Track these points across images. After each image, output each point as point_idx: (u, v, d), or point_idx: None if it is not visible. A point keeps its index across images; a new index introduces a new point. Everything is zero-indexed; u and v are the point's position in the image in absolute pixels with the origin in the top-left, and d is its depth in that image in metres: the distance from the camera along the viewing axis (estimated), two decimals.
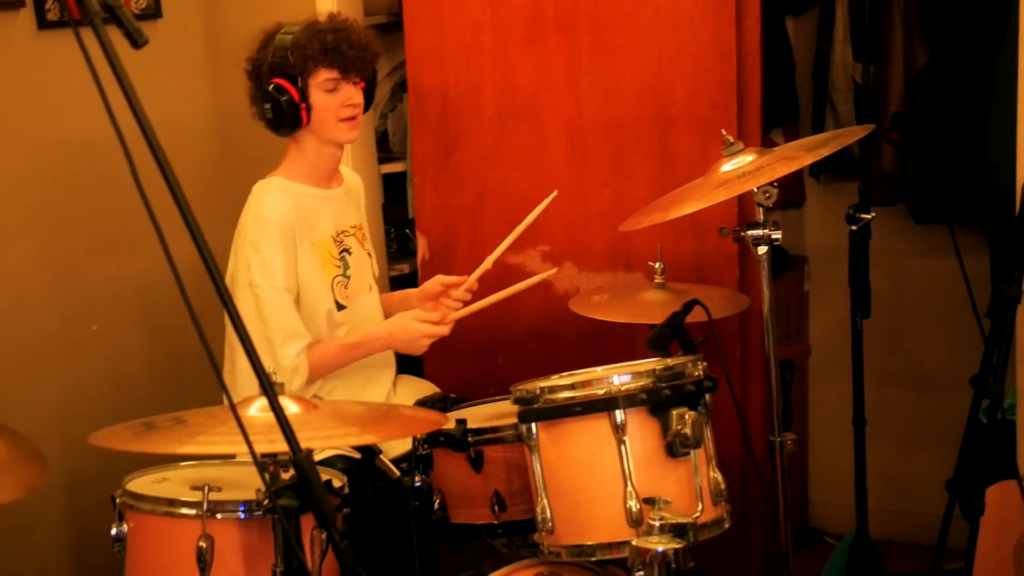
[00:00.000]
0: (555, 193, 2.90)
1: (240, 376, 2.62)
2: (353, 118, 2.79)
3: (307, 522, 1.96)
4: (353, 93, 2.78)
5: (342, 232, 2.89)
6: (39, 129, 3.16)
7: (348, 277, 2.88)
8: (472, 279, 2.91)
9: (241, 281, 2.70)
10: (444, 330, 2.80)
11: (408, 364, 3.29)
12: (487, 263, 2.89)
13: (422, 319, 2.80)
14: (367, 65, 2.81)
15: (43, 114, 3.16)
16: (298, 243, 2.75)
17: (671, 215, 2.57)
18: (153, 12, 3.43)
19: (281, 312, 2.70)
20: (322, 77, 2.73)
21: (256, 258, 2.70)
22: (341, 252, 2.87)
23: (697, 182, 2.72)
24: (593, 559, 2.29)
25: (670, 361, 2.32)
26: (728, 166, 2.64)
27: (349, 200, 2.95)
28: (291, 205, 2.76)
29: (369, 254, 2.97)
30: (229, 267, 2.76)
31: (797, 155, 2.60)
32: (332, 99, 2.75)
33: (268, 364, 2.57)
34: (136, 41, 1.50)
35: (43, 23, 3.12)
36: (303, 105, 2.73)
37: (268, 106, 2.73)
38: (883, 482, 3.63)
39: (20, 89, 3.10)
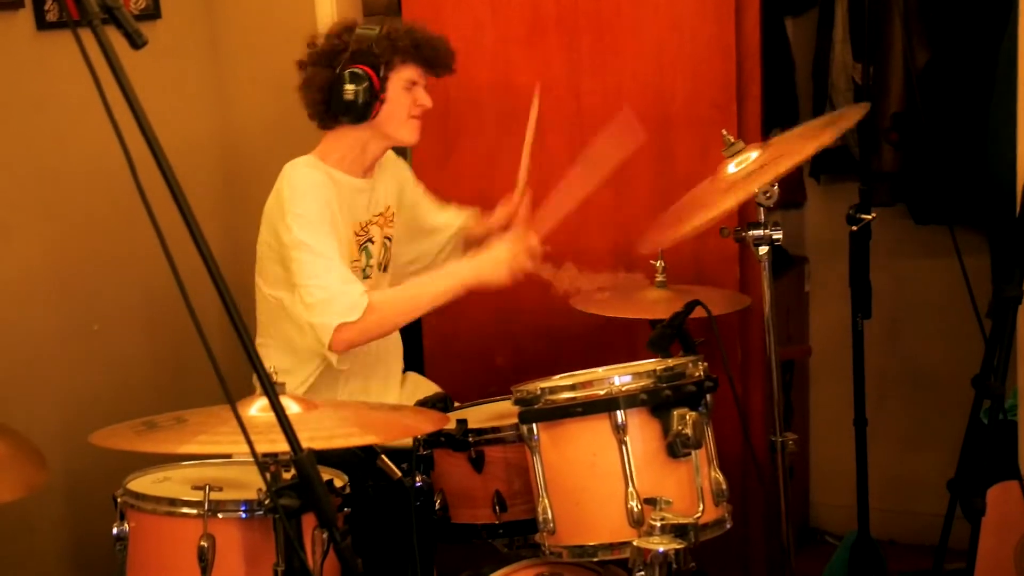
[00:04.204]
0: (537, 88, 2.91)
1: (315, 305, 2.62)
2: (419, 118, 2.81)
3: (308, 522, 1.96)
4: (425, 95, 2.80)
5: (366, 223, 2.88)
6: (39, 130, 3.16)
7: (371, 267, 2.88)
8: (520, 192, 2.93)
9: (291, 244, 2.66)
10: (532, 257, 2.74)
11: (409, 364, 3.29)
12: (522, 176, 2.92)
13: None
14: (447, 69, 2.84)
15: (42, 115, 3.16)
16: (338, 214, 2.74)
17: (686, 229, 2.55)
18: (152, 13, 3.43)
19: (336, 262, 2.66)
20: (405, 73, 2.76)
21: (298, 220, 2.67)
22: (364, 243, 2.87)
23: (703, 186, 2.72)
24: (594, 559, 2.28)
25: (671, 362, 2.31)
26: (733, 167, 2.63)
27: (376, 189, 2.93)
28: (326, 177, 2.75)
29: (387, 239, 2.96)
30: (269, 238, 2.76)
31: (801, 143, 2.58)
32: (407, 96, 2.77)
33: (335, 310, 2.58)
34: (135, 42, 1.50)
35: (42, 24, 3.11)
36: (382, 96, 2.73)
37: (351, 87, 2.69)
38: (884, 482, 3.63)
39: (19, 90, 3.10)
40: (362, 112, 2.73)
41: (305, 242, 2.65)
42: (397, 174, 3.03)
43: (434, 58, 2.80)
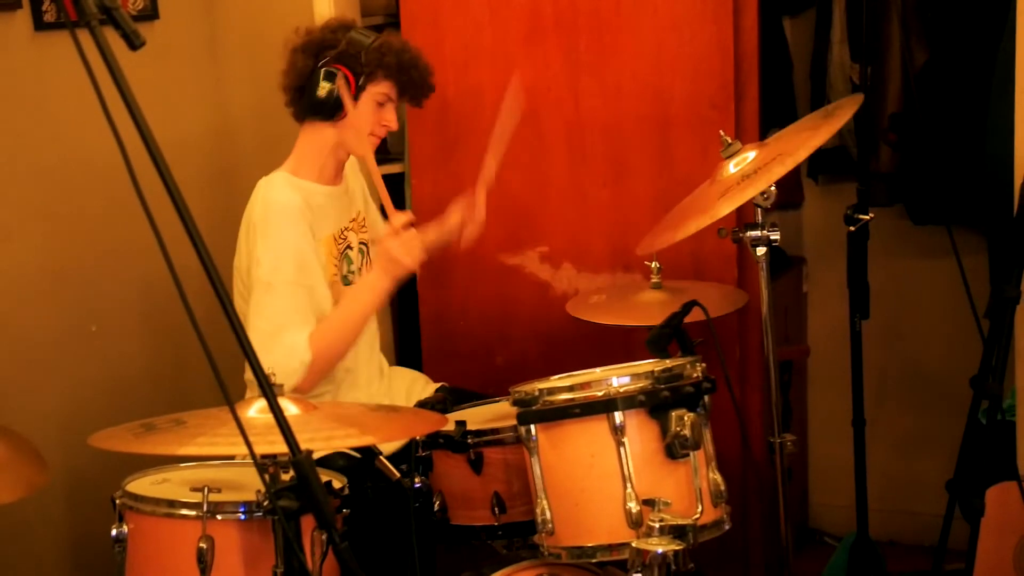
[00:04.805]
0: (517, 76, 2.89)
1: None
2: (378, 137, 2.82)
3: (307, 523, 1.96)
4: (393, 117, 2.81)
5: (344, 229, 2.88)
6: (37, 131, 3.15)
7: (353, 273, 2.88)
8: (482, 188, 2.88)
9: (256, 280, 2.68)
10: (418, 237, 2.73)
11: (407, 364, 3.29)
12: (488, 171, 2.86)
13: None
14: (423, 96, 2.85)
15: (41, 116, 3.16)
16: (314, 233, 2.75)
17: (681, 234, 2.54)
18: (150, 14, 3.43)
19: (295, 304, 2.67)
20: (381, 89, 2.76)
21: (267, 254, 2.68)
22: (344, 250, 2.87)
23: (700, 189, 2.71)
24: (593, 560, 2.28)
25: (669, 362, 2.31)
26: (731, 168, 2.63)
27: (348, 194, 2.95)
28: (302, 200, 2.76)
29: (363, 243, 2.96)
30: (242, 260, 2.77)
31: (797, 142, 2.57)
32: (375, 113, 2.78)
33: (277, 352, 2.57)
34: (133, 43, 1.50)
35: (40, 24, 3.11)
36: (354, 103, 2.74)
37: (326, 85, 2.71)
38: (883, 483, 3.63)
39: (17, 91, 3.10)
40: (329, 112, 2.75)
41: (270, 283, 2.67)
42: (361, 183, 3.05)
43: (413, 87, 2.81)
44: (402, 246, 2.69)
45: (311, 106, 2.76)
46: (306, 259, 2.72)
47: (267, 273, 2.67)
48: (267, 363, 2.54)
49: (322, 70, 2.73)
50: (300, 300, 2.68)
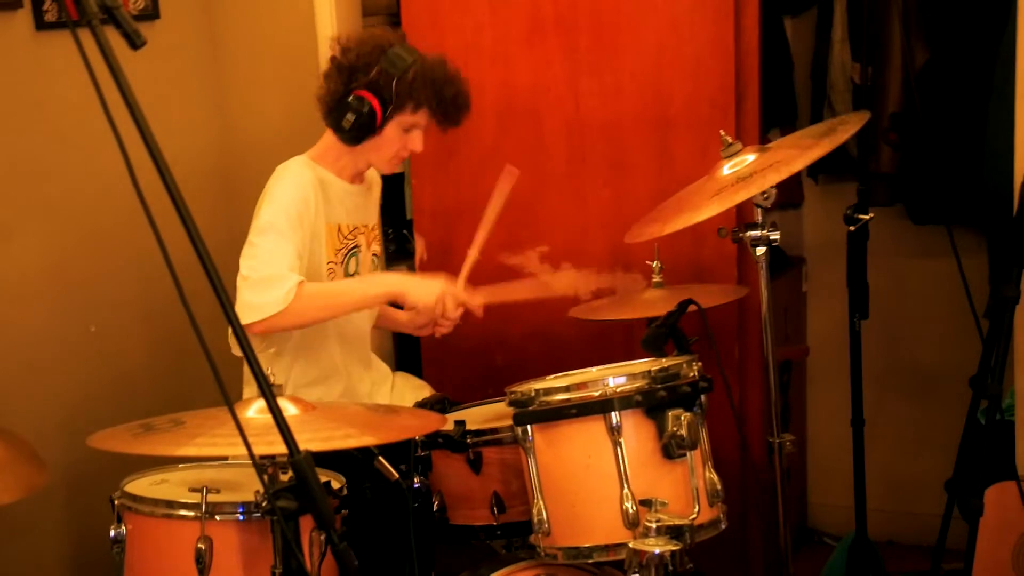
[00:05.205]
0: (516, 173, 2.88)
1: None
2: (402, 159, 2.81)
3: (306, 523, 1.96)
4: (419, 140, 2.77)
5: (354, 229, 2.88)
6: (37, 131, 3.16)
7: (358, 274, 2.88)
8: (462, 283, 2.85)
9: (254, 228, 2.68)
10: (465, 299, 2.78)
11: (406, 365, 3.29)
12: (470, 259, 2.86)
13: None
14: (457, 123, 2.80)
15: (41, 115, 3.16)
16: (315, 212, 2.74)
17: (669, 228, 2.54)
18: (151, 13, 3.43)
19: (285, 253, 2.65)
20: (411, 119, 2.72)
21: (268, 209, 2.67)
22: (351, 248, 2.86)
23: (696, 185, 2.71)
24: (590, 561, 2.28)
25: (665, 362, 2.31)
26: (728, 168, 2.63)
27: (367, 200, 2.95)
28: (315, 177, 2.75)
29: (375, 256, 2.97)
30: None
31: (796, 152, 2.57)
32: (401, 139, 2.75)
33: (265, 283, 2.56)
34: (134, 42, 1.50)
35: (41, 24, 3.11)
36: (378, 132, 2.71)
37: (351, 117, 2.68)
38: (882, 483, 3.63)
39: (18, 90, 3.10)
40: (351, 140, 2.73)
41: (263, 230, 2.65)
42: (377, 200, 3.04)
43: (450, 115, 2.76)
44: (444, 296, 2.73)
45: (336, 130, 2.74)
46: (302, 221, 2.70)
47: (263, 223, 2.66)
48: (253, 290, 2.54)
49: (351, 100, 2.69)
50: (289, 250, 2.65)
